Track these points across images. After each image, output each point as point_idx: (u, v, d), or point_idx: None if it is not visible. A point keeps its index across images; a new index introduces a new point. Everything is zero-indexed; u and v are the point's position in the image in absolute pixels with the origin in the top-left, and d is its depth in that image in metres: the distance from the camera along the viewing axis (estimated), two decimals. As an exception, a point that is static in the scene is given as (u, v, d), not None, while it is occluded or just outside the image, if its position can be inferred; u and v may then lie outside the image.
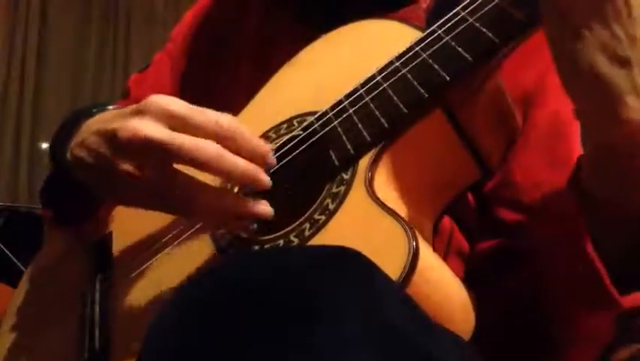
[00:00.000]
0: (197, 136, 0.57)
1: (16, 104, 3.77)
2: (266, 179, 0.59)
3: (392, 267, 0.48)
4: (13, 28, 3.85)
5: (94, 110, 0.71)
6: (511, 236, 0.71)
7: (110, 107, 0.73)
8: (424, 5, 0.79)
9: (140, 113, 0.57)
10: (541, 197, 0.70)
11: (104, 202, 0.76)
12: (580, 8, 0.48)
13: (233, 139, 0.58)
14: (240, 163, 0.57)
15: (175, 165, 0.58)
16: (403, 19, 0.66)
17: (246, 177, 0.58)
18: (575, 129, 0.71)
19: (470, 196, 0.72)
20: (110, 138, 0.59)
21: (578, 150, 0.70)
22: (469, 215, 0.75)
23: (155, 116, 0.57)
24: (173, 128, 0.56)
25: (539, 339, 0.66)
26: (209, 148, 0.56)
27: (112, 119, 0.61)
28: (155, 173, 0.58)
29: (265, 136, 0.67)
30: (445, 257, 0.72)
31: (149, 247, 0.67)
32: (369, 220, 0.54)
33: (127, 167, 0.58)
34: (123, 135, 0.57)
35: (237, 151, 0.58)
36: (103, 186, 0.64)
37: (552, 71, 0.74)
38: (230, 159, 0.57)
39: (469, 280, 0.73)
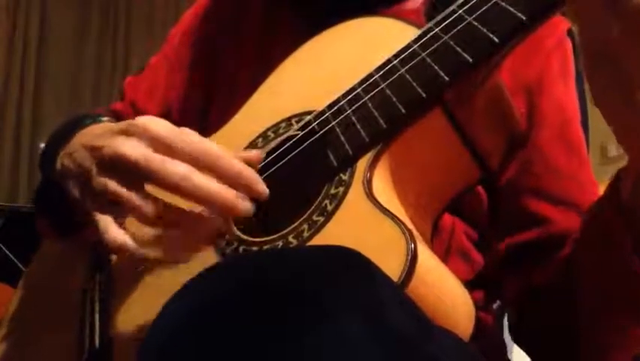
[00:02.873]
0: (178, 158, 0.56)
1: (16, 104, 3.77)
2: (244, 207, 0.56)
3: (391, 269, 0.47)
4: (13, 28, 3.85)
5: (88, 121, 0.71)
6: (540, 226, 0.73)
7: (105, 118, 0.73)
8: (418, 3, 0.79)
9: (126, 132, 0.58)
10: (563, 187, 0.73)
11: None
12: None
13: (215, 165, 0.56)
14: (213, 188, 0.55)
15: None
16: (401, 17, 0.66)
17: (220, 202, 0.55)
18: (576, 112, 0.77)
19: (481, 191, 0.73)
20: (96, 153, 0.60)
21: (581, 132, 0.76)
22: (480, 212, 0.75)
23: (140, 137, 0.57)
24: (157, 150, 0.56)
25: (575, 337, 0.66)
26: (177, 169, 0.55)
27: (101, 135, 0.61)
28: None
29: (264, 135, 0.67)
30: (445, 257, 0.72)
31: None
32: (368, 222, 0.53)
33: (104, 181, 0.58)
34: (106, 153, 0.58)
35: (222, 178, 0.56)
36: (84, 201, 0.63)
37: (551, 60, 0.76)
38: (199, 182, 0.55)
39: (501, 276, 0.75)
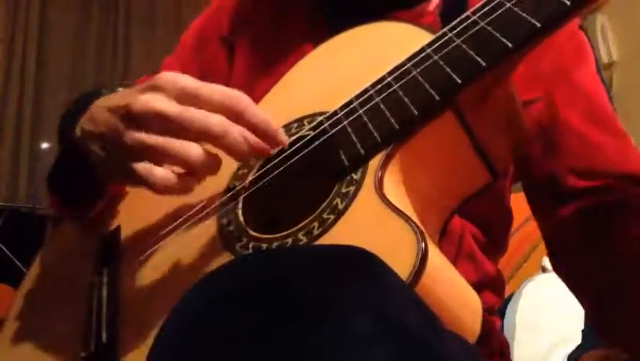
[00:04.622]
0: (206, 109, 0.58)
1: (16, 104, 3.77)
2: (282, 137, 0.60)
3: (400, 268, 0.47)
4: (13, 28, 3.85)
5: (104, 92, 0.72)
6: (588, 197, 0.76)
7: (120, 89, 0.74)
8: (433, 4, 0.79)
9: (151, 88, 0.59)
10: (601, 160, 0.77)
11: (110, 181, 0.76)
12: None
13: (244, 113, 0.59)
14: (251, 137, 0.59)
15: None
16: (416, 22, 0.67)
17: (258, 148, 0.59)
18: (600, 91, 0.81)
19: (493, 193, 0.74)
20: (123, 111, 0.60)
21: (609, 107, 0.80)
22: (489, 214, 0.76)
23: (166, 91, 0.59)
24: (183, 103, 0.58)
25: None
26: (219, 120, 0.58)
27: (124, 95, 0.63)
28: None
29: None
30: (454, 260, 0.73)
31: (156, 238, 0.67)
32: (378, 221, 0.53)
33: (136, 135, 0.59)
34: (136, 108, 0.59)
35: (246, 124, 0.59)
36: (111, 161, 0.64)
37: (564, 51, 0.80)
38: (238, 131, 0.58)
39: (566, 243, 0.78)
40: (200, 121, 0.57)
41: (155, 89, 0.59)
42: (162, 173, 0.59)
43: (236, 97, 0.59)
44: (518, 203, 0.86)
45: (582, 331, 1.31)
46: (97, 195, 0.77)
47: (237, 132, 0.58)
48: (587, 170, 0.76)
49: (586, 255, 0.76)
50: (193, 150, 0.58)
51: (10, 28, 3.81)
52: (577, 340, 1.34)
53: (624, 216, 0.73)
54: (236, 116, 0.59)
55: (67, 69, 3.92)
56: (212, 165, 0.59)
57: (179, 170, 0.60)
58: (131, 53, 4.02)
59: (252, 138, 0.59)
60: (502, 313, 1.59)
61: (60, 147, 0.78)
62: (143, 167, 0.59)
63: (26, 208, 3.13)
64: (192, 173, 0.60)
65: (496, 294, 0.83)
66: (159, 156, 0.59)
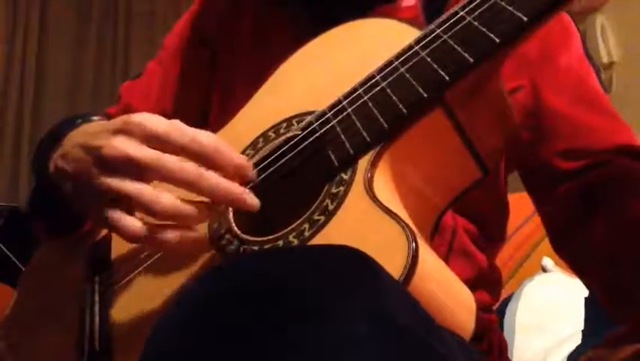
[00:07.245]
0: (176, 154, 0.58)
1: (16, 104, 3.77)
2: (252, 201, 0.58)
3: (392, 268, 0.47)
4: (13, 29, 3.85)
5: (78, 121, 0.72)
6: (580, 176, 0.76)
7: (95, 117, 0.74)
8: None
9: (122, 131, 0.59)
10: (591, 142, 0.76)
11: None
12: None
13: (212, 157, 0.58)
14: (222, 184, 0.57)
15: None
16: (402, 18, 0.66)
17: (229, 198, 0.58)
18: (587, 71, 0.80)
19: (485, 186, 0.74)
20: (95, 153, 0.60)
21: (598, 87, 0.80)
22: (480, 205, 0.76)
23: (137, 135, 0.58)
24: (154, 146, 0.58)
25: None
26: (189, 170, 0.57)
27: (96, 134, 0.62)
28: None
29: (264, 136, 0.67)
30: (446, 257, 0.72)
31: (148, 247, 0.67)
32: (369, 221, 0.53)
33: (109, 181, 0.58)
34: (107, 153, 0.58)
35: (218, 168, 0.58)
36: (84, 201, 0.64)
37: (549, 34, 0.79)
38: (211, 179, 0.57)
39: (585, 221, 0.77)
40: (172, 169, 0.57)
41: (127, 132, 0.58)
42: (130, 222, 0.58)
43: (207, 140, 0.58)
44: (518, 203, 0.85)
45: (582, 331, 1.30)
46: (80, 222, 0.77)
47: (211, 178, 0.57)
48: (578, 151, 0.76)
49: (588, 232, 0.76)
50: (163, 201, 0.57)
51: (10, 28, 3.82)
52: (577, 340, 1.33)
53: (625, 189, 0.73)
54: (208, 159, 0.58)
55: (67, 69, 3.92)
56: (184, 216, 0.58)
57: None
58: (131, 54, 4.02)
59: (224, 184, 0.58)
60: (502, 314, 1.58)
61: (35, 180, 0.78)
62: (112, 214, 0.59)
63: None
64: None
65: (491, 291, 0.82)
66: (130, 203, 0.58)
